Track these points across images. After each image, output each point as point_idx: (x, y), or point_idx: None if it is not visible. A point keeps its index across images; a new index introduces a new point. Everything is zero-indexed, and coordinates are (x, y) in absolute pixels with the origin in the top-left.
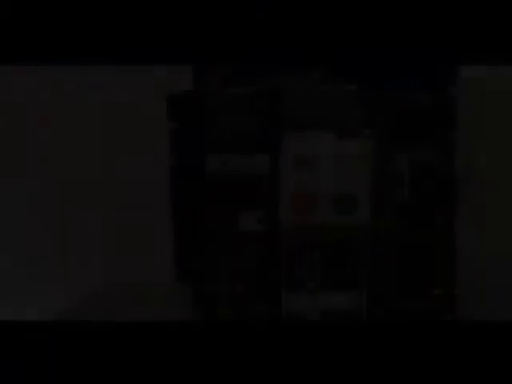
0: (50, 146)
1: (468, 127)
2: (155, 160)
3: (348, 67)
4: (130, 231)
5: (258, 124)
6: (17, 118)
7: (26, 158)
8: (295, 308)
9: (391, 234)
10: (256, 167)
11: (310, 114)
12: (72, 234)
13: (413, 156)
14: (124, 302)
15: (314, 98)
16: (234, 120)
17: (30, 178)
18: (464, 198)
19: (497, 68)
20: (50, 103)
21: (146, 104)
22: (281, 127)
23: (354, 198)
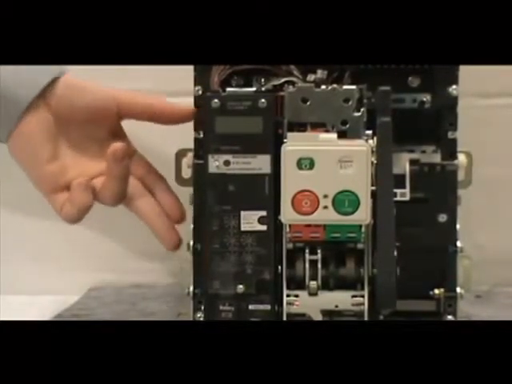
0: None
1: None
2: (156, 160)
3: (348, 67)
4: (129, 231)
5: (259, 124)
6: None
7: None
8: (296, 308)
9: (391, 234)
10: (257, 167)
11: (311, 114)
12: (73, 233)
13: (413, 156)
14: (124, 302)
15: (314, 98)
16: (236, 120)
17: None
18: (464, 198)
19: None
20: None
21: None
22: (282, 127)
23: (355, 198)
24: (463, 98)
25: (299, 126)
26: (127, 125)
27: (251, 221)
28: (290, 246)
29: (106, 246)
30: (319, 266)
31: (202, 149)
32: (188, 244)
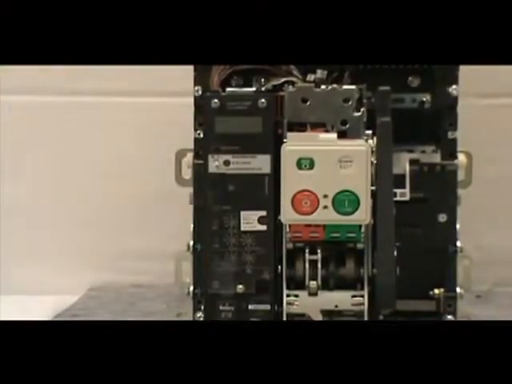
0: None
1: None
2: (156, 160)
3: (348, 67)
4: (129, 231)
5: (259, 124)
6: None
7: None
8: (296, 308)
9: (391, 234)
10: (257, 167)
11: (311, 113)
12: (73, 233)
13: (413, 156)
14: (124, 302)
15: (314, 98)
16: (235, 120)
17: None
18: (464, 198)
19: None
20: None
21: (146, 104)
22: (282, 127)
23: (355, 198)
24: (463, 98)
25: (299, 126)
26: (128, 125)
27: (251, 221)
28: (290, 245)
29: (106, 246)
30: (319, 265)
31: (202, 149)
32: (188, 244)
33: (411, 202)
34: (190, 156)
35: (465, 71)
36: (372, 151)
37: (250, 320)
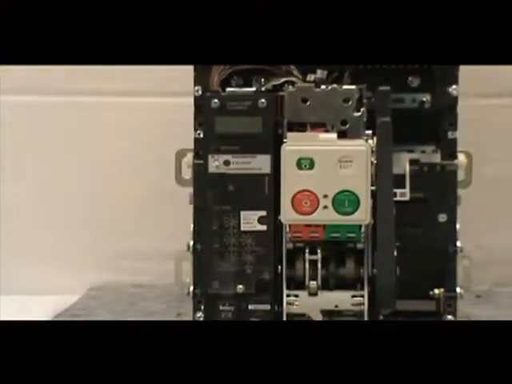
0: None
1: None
2: (156, 160)
3: (348, 67)
4: (130, 231)
5: (259, 124)
6: None
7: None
8: (296, 308)
9: (391, 234)
10: (257, 167)
11: (311, 114)
12: (73, 233)
13: (413, 156)
14: (123, 302)
15: (314, 98)
16: (235, 120)
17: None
18: (464, 198)
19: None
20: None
21: (146, 104)
22: (282, 127)
23: (355, 198)
24: (463, 98)
25: (299, 126)
26: (128, 125)
27: (251, 221)
28: (290, 246)
29: (106, 246)
30: (319, 265)
31: (202, 149)
32: (188, 244)
33: (411, 201)
34: (189, 156)
35: (465, 71)
36: (372, 151)
37: (250, 320)
